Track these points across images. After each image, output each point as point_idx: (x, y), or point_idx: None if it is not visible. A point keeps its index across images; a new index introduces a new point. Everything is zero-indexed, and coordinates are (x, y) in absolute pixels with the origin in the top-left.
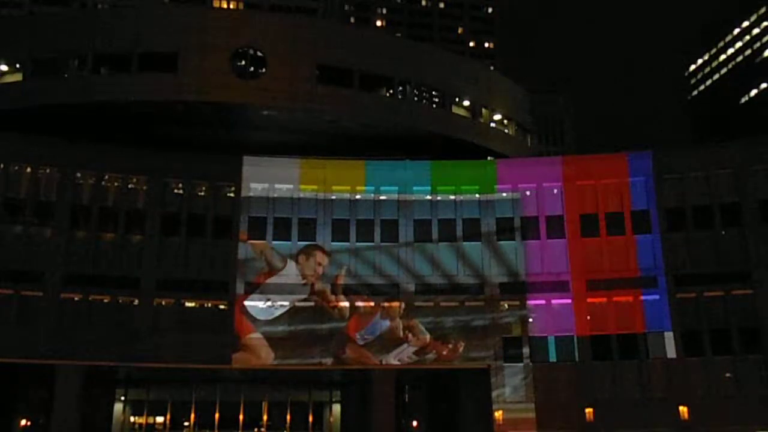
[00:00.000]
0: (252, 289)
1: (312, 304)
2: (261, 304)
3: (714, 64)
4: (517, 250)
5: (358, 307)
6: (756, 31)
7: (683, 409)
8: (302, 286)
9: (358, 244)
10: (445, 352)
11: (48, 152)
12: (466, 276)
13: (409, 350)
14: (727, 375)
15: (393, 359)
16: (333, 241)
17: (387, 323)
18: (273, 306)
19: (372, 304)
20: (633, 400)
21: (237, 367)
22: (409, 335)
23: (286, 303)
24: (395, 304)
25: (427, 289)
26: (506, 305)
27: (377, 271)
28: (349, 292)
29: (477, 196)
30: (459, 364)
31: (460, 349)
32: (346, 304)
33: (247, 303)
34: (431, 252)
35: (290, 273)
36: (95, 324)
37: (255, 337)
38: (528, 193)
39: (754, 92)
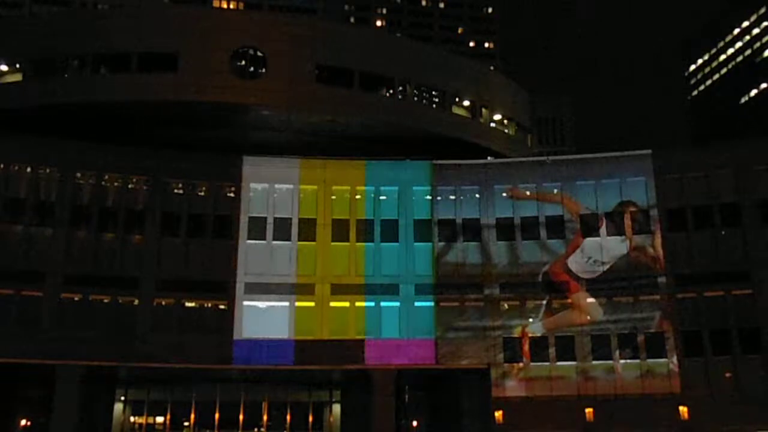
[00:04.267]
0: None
1: (633, 259)
2: (583, 263)
3: (714, 64)
4: (517, 249)
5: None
6: (756, 31)
7: (683, 409)
8: (620, 243)
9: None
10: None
11: (48, 152)
12: (466, 276)
13: None
14: (727, 375)
15: None
16: (332, 241)
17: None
18: (595, 264)
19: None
20: (633, 400)
21: (237, 367)
22: None
23: (605, 260)
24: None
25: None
26: (506, 305)
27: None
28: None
29: (477, 196)
30: (458, 364)
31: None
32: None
33: (569, 261)
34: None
35: (604, 233)
36: (95, 324)
37: (583, 296)
38: (528, 192)
39: (754, 92)
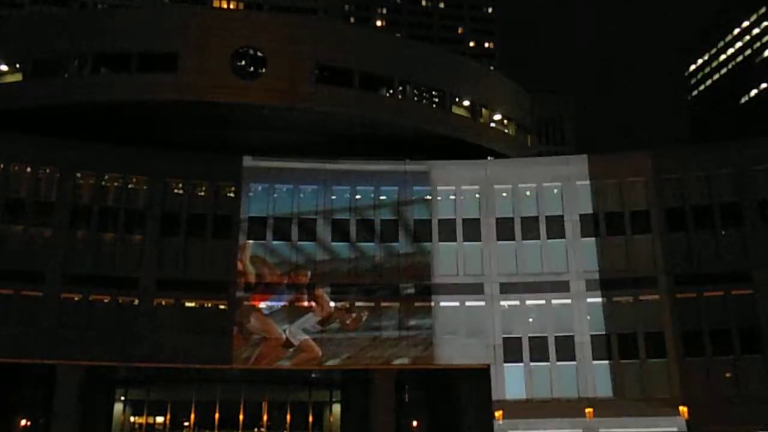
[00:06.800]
0: None
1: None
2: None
3: (714, 64)
4: (517, 250)
5: (265, 277)
6: (756, 31)
7: (683, 409)
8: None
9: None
10: (348, 322)
11: (48, 152)
12: (465, 276)
13: (313, 320)
14: (727, 375)
15: (296, 328)
16: (333, 241)
17: (293, 293)
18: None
19: (278, 273)
20: (633, 400)
21: (237, 367)
22: (314, 305)
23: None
24: (303, 274)
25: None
26: (506, 305)
27: (289, 242)
28: (257, 262)
29: (477, 196)
30: (459, 363)
31: (363, 318)
32: (253, 272)
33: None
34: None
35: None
36: (95, 324)
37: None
38: (528, 192)
39: (754, 92)
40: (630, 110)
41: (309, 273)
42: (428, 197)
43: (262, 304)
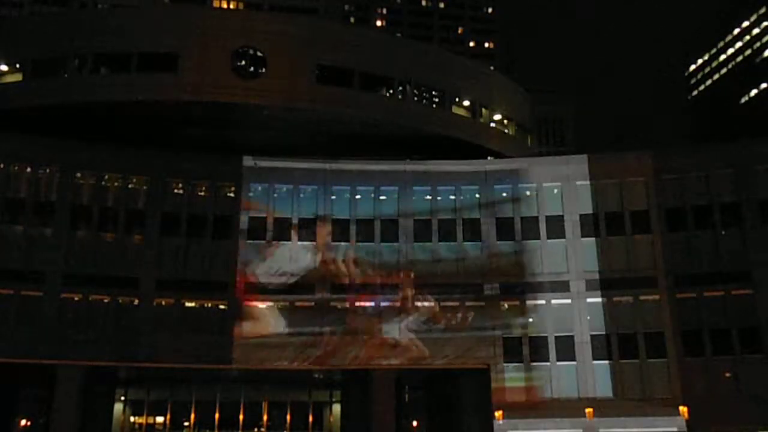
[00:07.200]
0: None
1: (320, 275)
2: (269, 273)
3: (714, 64)
4: (517, 250)
5: (364, 278)
6: (756, 31)
7: (683, 409)
8: (312, 256)
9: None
10: (453, 322)
11: (48, 152)
12: (466, 276)
13: (417, 319)
14: (727, 375)
15: (400, 324)
16: (333, 241)
17: (393, 295)
18: (282, 276)
19: (378, 274)
20: (633, 400)
21: (237, 367)
22: (412, 306)
23: (294, 273)
24: (401, 274)
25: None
26: (506, 305)
27: (380, 248)
28: (355, 264)
29: (477, 195)
30: (459, 363)
31: (470, 319)
32: (357, 270)
33: (257, 272)
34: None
35: (298, 243)
36: (95, 324)
37: (263, 306)
38: (528, 192)
39: (754, 92)
40: (630, 110)
41: (412, 274)
42: (428, 197)
43: (363, 305)
